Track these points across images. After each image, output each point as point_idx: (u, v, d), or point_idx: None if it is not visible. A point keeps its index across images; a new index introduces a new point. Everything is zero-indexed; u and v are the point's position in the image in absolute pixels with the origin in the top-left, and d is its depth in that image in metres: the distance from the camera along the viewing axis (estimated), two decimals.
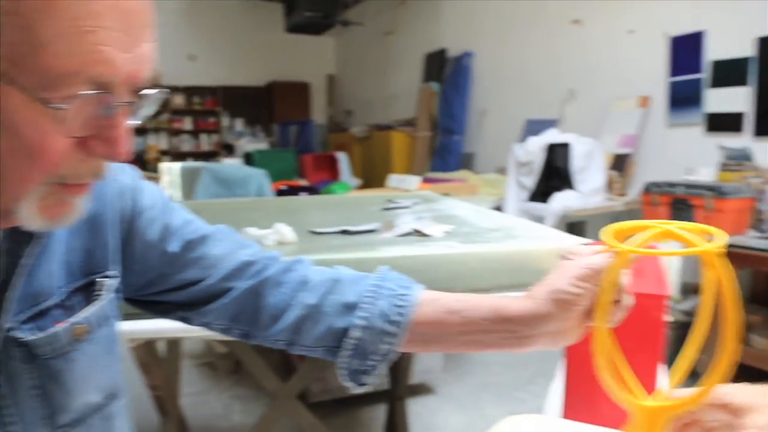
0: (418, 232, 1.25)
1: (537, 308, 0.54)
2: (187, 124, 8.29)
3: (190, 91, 8.08)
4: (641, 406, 0.50)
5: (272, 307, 0.63)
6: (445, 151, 5.23)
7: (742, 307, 0.46)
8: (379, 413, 2.42)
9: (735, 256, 2.56)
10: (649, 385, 1.46)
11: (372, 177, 5.44)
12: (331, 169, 5.16)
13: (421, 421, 2.57)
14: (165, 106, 7.52)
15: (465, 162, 5.14)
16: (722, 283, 0.45)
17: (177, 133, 8.25)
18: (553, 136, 3.33)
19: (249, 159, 5.47)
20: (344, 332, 0.60)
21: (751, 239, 2.59)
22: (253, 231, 1.30)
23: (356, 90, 7.90)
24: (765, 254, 2.44)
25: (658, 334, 1.42)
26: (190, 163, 4.36)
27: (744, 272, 3.07)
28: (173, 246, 0.63)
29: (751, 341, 2.66)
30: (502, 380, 2.95)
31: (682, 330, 3.04)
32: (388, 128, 5.90)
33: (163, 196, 0.67)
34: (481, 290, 1.07)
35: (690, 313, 3.27)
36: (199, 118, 8.32)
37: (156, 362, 1.61)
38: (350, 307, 0.61)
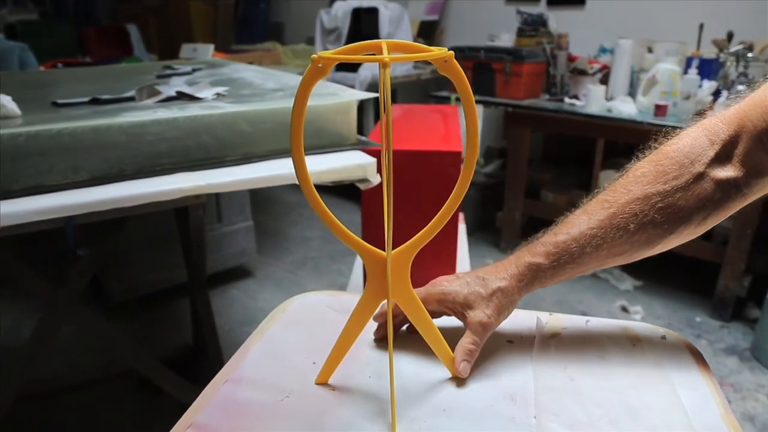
0: (183, 95, 1.03)
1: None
2: None
3: None
4: (381, 254, 0.54)
5: None
6: (251, 21, 4.78)
7: (475, 106, 0.48)
8: (187, 305, 2.28)
9: (530, 118, 2.68)
10: (452, 235, 1.46)
11: (170, 53, 4.81)
12: (121, 44, 4.49)
13: (241, 304, 2.47)
14: None
15: (273, 33, 4.75)
16: (461, 83, 0.47)
17: None
18: (359, 0, 3.13)
19: (12, 32, 4.52)
20: None
21: (543, 102, 2.73)
22: None
23: None
24: (555, 115, 2.56)
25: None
26: None
27: (538, 134, 3.29)
28: None
29: (542, 196, 2.90)
30: (319, 254, 2.93)
31: (484, 191, 3.23)
32: None
33: None
34: (255, 156, 0.91)
35: (492, 176, 3.47)
36: None
37: None
38: None
